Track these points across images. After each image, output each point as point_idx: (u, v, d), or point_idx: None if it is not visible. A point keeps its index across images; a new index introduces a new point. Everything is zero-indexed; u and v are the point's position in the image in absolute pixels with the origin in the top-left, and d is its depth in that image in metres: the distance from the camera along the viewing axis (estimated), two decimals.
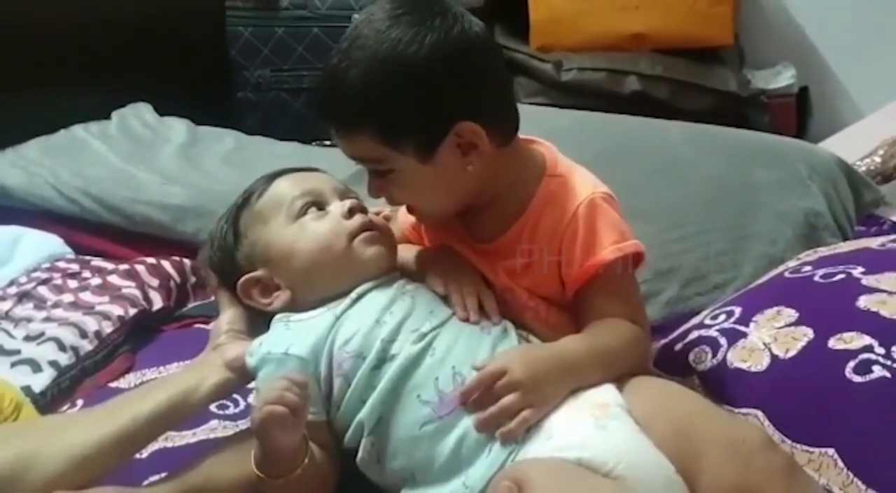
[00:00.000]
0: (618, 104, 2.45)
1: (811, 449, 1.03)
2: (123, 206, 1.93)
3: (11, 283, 1.72)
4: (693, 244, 1.61)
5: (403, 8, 1.05)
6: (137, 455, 1.11)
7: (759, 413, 1.10)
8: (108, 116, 2.35)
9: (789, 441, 1.05)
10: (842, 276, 1.23)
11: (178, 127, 2.29)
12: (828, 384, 1.07)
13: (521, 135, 1.14)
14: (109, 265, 1.77)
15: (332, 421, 1.07)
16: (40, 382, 1.41)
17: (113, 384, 1.43)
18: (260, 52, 2.73)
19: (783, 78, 2.78)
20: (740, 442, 0.96)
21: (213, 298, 1.67)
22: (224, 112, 2.67)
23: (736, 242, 1.61)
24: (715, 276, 1.58)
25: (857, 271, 1.22)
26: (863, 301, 1.15)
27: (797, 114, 2.78)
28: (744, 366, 1.15)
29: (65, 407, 1.38)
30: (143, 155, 2.11)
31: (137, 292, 1.64)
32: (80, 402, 1.37)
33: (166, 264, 1.75)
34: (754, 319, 1.21)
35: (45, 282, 1.70)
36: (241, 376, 1.10)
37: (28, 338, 1.52)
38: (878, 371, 1.04)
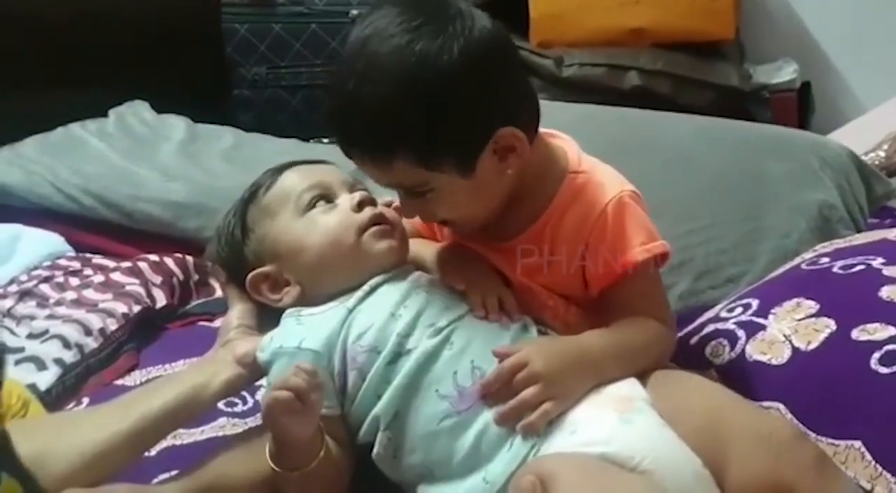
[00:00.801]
0: (619, 99, 2.41)
1: (836, 442, 1.01)
2: (124, 203, 1.91)
3: (12, 281, 1.71)
4: (705, 237, 1.59)
5: (419, 18, 0.98)
6: (146, 453, 1.09)
7: (781, 406, 1.08)
8: (104, 114, 2.32)
9: (813, 434, 1.03)
10: (861, 267, 1.22)
11: (176, 124, 2.26)
12: (853, 376, 1.05)
13: None
14: (111, 263, 1.75)
15: (347, 415, 1.05)
16: (46, 379, 1.40)
17: (118, 382, 1.42)
18: (256, 49, 2.70)
19: (785, 73, 2.76)
20: (768, 435, 0.94)
21: (216, 295, 1.67)
22: (221, 110, 2.64)
23: (748, 235, 1.59)
24: (728, 269, 1.56)
25: (877, 262, 1.21)
26: (885, 292, 1.13)
27: (799, 109, 2.77)
28: (764, 359, 1.14)
29: (70, 405, 1.36)
30: (143, 152, 2.09)
31: (141, 290, 1.62)
32: (85, 400, 1.36)
33: (169, 262, 1.73)
34: (773, 311, 1.20)
35: (46, 280, 1.69)
36: (252, 372, 1.08)
37: (31, 336, 1.50)
38: None
